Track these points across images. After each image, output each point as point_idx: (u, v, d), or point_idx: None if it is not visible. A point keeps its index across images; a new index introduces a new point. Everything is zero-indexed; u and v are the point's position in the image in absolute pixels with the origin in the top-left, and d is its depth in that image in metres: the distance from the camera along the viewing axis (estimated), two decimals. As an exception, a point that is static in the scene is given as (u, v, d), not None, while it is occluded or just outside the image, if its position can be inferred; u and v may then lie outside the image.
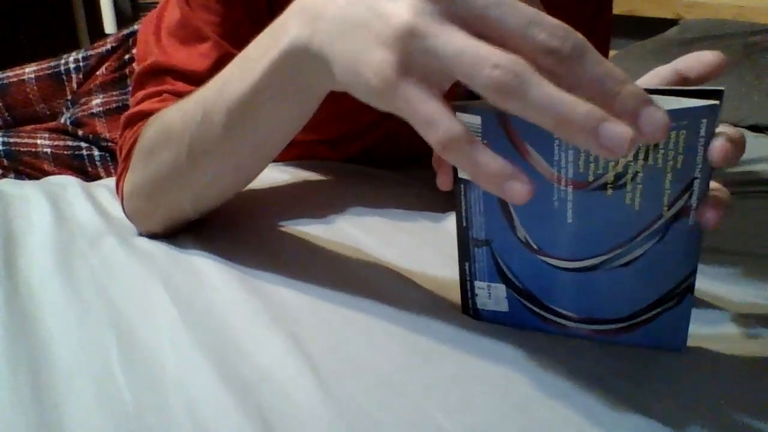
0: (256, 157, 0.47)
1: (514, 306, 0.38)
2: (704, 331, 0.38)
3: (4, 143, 0.87)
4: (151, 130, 0.50)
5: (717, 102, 0.29)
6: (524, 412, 0.33)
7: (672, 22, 1.57)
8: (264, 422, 0.32)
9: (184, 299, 0.43)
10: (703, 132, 0.29)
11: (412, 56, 0.28)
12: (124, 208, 0.53)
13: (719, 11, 1.51)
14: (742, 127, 1.05)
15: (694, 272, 0.33)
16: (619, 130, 0.24)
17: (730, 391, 0.34)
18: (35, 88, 0.93)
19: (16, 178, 0.85)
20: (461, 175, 0.35)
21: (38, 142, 0.87)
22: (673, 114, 0.28)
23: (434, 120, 0.27)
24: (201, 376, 0.35)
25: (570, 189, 0.32)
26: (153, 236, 0.52)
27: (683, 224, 0.32)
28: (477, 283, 0.38)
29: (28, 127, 0.90)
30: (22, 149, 0.87)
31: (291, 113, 0.42)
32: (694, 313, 0.39)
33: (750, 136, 0.98)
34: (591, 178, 0.31)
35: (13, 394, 0.34)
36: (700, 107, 0.29)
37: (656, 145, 0.30)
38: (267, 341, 0.38)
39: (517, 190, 0.26)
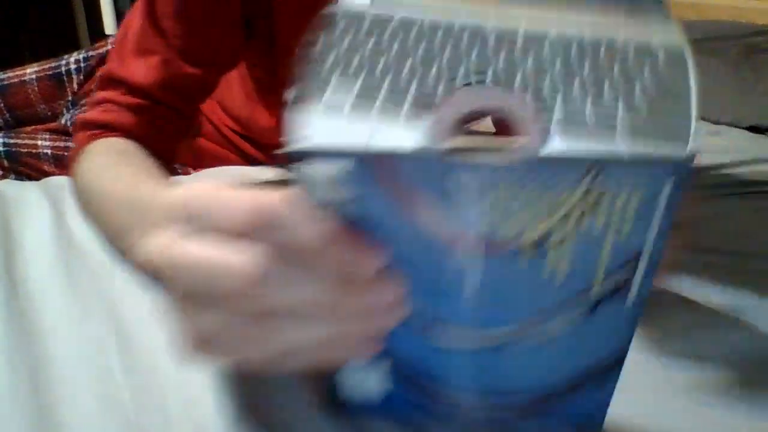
0: None
1: (395, 394, 0.30)
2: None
3: (4, 144, 0.87)
4: (85, 175, 0.52)
5: (689, 158, 0.20)
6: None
7: (672, 23, 1.57)
8: (263, 422, 0.32)
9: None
10: (664, 197, 0.21)
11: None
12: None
13: (719, 12, 1.51)
14: (742, 127, 1.05)
15: (625, 352, 0.27)
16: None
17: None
18: (36, 88, 0.93)
19: (16, 179, 0.85)
20: None
21: (39, 143, 0.87)
22: (628, 168, 0.20)
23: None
24: (200, 376, 0.35)
25: (477, 251, 0.24)
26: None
27: (618, 302, 0.25)
28: (347, 370, 0.30)
29: (29, 128, 0.90)
30: (22, 150, 0.87)
31: None
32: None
33: (750, 137, 0.98)
34: (502, 240, 0.23)
35: (12, 394, 0.34)
36: (665, 164, 0.20)
37: (596, 205, 0.21)
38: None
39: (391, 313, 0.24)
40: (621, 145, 0.20)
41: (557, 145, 0.20)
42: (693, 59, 0.21)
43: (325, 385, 0.31)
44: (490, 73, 0.22)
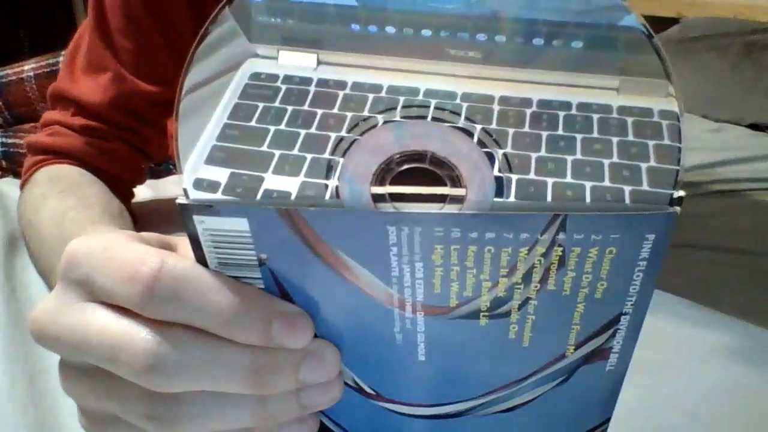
0: None
1: None
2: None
3: (3, 144, 0.87)
4: (25, 203, 0.49)
5: (674, 210, 0.17)
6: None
7: (673, 21, 1.57)
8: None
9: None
10: (646, 251, 0.18)
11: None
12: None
13: (720, 10, 1.51)
14: (742, 125, 1.05)
15: (607, 421, 0.23)
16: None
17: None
18: (34, 86, 0.93)
19: (15, 179, 0.85)
20: None
21: None
22: (597, 221, 0.17)
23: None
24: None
25: (421, 316, 0.20)
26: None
27: (597, 369, 0.21)
28: None
29: (27, 126, 0.90)
30: (21, 150, 0.87)
31: None
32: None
33: (750, 135, 0.99)
34: (454, 303, 0.20)
35: (11, 395, 0.34)
36: (645, 215, 0.17)
37: (561, 263, 0.18)
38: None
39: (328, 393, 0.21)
40: (587, 194, 0.17)
41: (510, 192, 0.17)
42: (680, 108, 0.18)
43: None
44: (430, 108, 0.18)
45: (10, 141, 0.87)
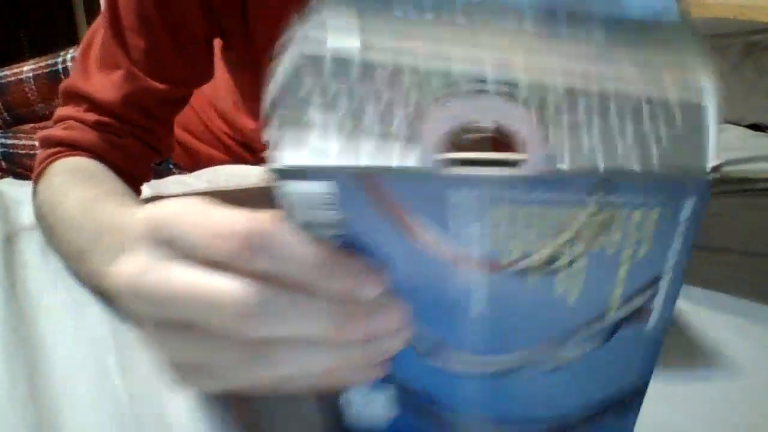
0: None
1: (401, 419, 0.28)
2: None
3: (2, 145, 0.87)
4: (47, 193, 0.49)
5: (709, 177, 0.19)
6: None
7: (673, 21, 1.57)
8: (261, 423, 0.32)
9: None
10: (685, 215, 0.20)
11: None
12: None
13: (721, 10, 1.51)
14: (743, 125, 1.05)
15: (646, 382, 0.25)
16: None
17: None
18: (34, 87, 0.93)
19: (15, 179, 0.85)
20: None
21: (36, 143, 0.87)
22: (641, 185, 0.19)
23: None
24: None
25: (478, 273, 0.22)
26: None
27: (637, 329, 0.23)
28: (351, 394, 0.28)
29: (27, 127, 0.90)
30: (20, 152, 0.86)
31: None
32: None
33: (750, 136, 0.98)
34: (507, 260, 0.22)
35: (11, 395, 0.34)
36: (684, 179, 0.19)
37: (608, 225, 0.20)
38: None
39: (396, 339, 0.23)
40: (634, 162, 0.19)
41: (563, 159, 0.19)
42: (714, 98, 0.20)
43: (329, 410, 0.29)
44: (490, 82, 0.20)
45: (9, 142, 0.87)
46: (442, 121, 0.20)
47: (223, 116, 0.80)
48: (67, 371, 0.36)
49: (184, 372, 0.24)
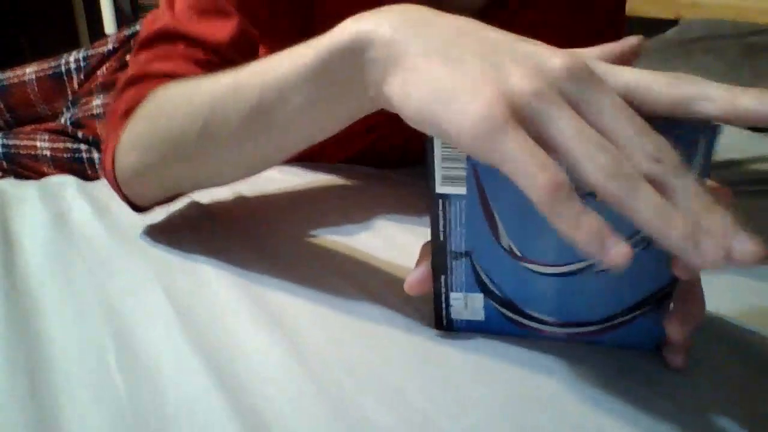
0: (272, 152, 0.42)
1: (491, 314, 0.38)
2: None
3: (3, 145, 0.87)
4: (171, 89, 0.45)
5: (718, 125, 0.28)
6: (521, 412, 0.33)
7: (672, 23, 1.57)
8: (260, 424, 0.32)
9: (181, 299, 0.43)
10: (700, 153, 0.29)
11: (524, 112, 0.27)
12: (114, 170, 0.49)
13: (719, 11, 1.51)
14: (741, 127, 1.05)
15: (676, 280, 0.34)
16: (713, 248, 0.25)
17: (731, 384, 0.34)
18: (36, 89, 0.93)
19: (15, 180, 0.85)
20: (439, 190, 0.34)
21: (37, 144, 0.87)
22: (665, 127, 0.27)
23: (540, 168, 0.26)
24: (197, 376, 0.35)
25: None
26: (151, 236, 0.52)
27: None
28: (453, 295, 0.38)
29: (28, 128, 0.90)
30: (21, 152, 0.87)
31: (327, 116, 0.37)
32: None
33: (750, 136, 0.98)
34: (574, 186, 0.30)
35: (11, 394, 0.34)
36: (698, 124, 0.28)
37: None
38: (264, 343, 0.38)
39: (619, 254, 0.25)
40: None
41: None
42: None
43: (438, 306, 0.39)
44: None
45: (11, 142, 0.87)
46: None
47: None
48: (67, 370, 0.36)
49: (519, 126, 0.27)
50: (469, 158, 0.32)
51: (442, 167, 0.33)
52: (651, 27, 1.58)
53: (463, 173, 0.33)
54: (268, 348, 0.38)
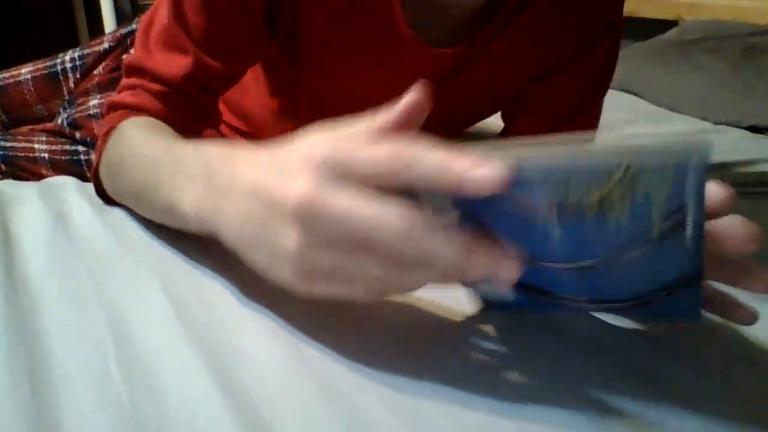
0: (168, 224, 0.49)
1: (520, 297, 0.40)
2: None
3: (1, 147, 0.87)
4: (126, 137, 0.54)
5: (709, 142, 0.28)
6: (521, 411, 0.33)
7: (672, 24, 1.57)
8: (260, 424, 0.32)
9: (181, 299, 0.43)
10: (693, 166, 0.28)
11: (314, 235, 0.30)
12: (100, 175, 0.58)
13: (719, 12, 1.52)
14: (742, 127, 1.05)
15: (701, 267, 0.33)
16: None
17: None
18: (32, 89, 0.93)
19: (13, 181, 0.85)
20: None
21: (35, 146, 0.86)
22: (653, 157, 0.29)
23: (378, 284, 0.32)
24: (197, 376, 0.35)
25: (551, 215, 0.32)
26: (151, 236, 0.52)
27: (679, 236, 0.31)
28: (478, 284, 0.40)
29: (25, 128, 0.90)
30: (19, 154, 0.86)
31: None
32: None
33: (750, 137, 0.99)
34: (570, 205, 0.31)
35: (10, 393, 0.34)
36: (689, 143, 0.28)
37: (634, 180, 0.29)
38: (264, 343, 0.38)
39: (508, 272, 0.31)
40: (647, 141, 0.29)
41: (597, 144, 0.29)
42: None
43: (468, 286, 0.41)
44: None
45: (8, 144, 0.87)
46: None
47: (242, 112, 0.78)
48: (67, 370, 0.36)
49: (319, 279, 0.31)
50: (452, 200, 0.32)
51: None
52: (651, 28, 1.58)
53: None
54: (269, 348, 0.38)
